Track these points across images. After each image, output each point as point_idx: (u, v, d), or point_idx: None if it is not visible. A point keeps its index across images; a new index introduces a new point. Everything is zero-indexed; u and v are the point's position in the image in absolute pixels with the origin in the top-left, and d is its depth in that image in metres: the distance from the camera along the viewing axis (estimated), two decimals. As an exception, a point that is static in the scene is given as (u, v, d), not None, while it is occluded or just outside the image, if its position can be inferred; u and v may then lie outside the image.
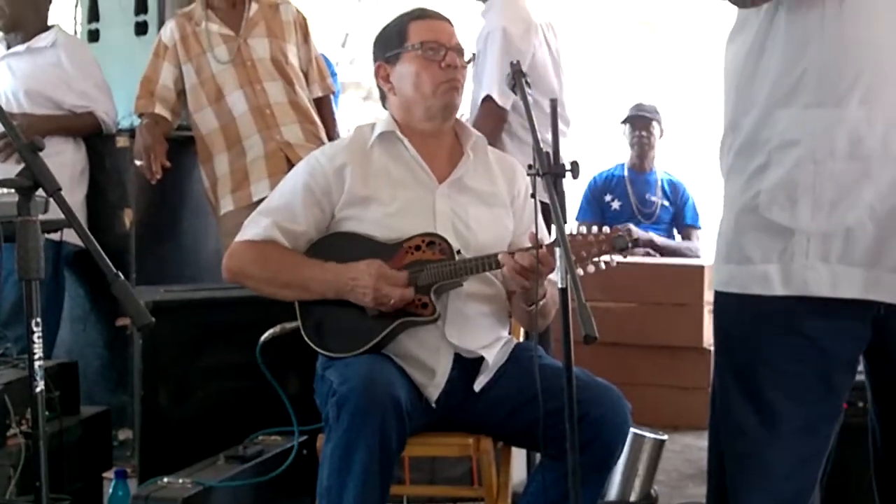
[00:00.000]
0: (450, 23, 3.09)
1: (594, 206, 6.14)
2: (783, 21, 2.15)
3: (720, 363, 2.38)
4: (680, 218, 6.11)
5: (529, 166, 2.44)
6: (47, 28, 4.67)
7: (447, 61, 2.99)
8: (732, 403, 2.31)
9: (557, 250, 2.30)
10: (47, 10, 4.72)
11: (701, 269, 5.22)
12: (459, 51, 3.03)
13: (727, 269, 2.28)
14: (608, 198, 6.13)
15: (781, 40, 2.15)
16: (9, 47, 4.65)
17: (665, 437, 3.84)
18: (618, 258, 2.84)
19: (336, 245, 2.98)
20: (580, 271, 2.72)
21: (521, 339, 3.19)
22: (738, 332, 2.30)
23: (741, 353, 2.29)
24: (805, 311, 2.18)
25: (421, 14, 3.09)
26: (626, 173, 6.18)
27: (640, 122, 6.14)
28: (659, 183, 6.15)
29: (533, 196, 2.53)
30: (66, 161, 4.47)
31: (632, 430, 3.01)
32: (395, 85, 3.07)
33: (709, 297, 5.09)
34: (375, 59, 3.11)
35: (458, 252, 2.91)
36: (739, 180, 2.24)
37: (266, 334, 3.06)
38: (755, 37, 2.20)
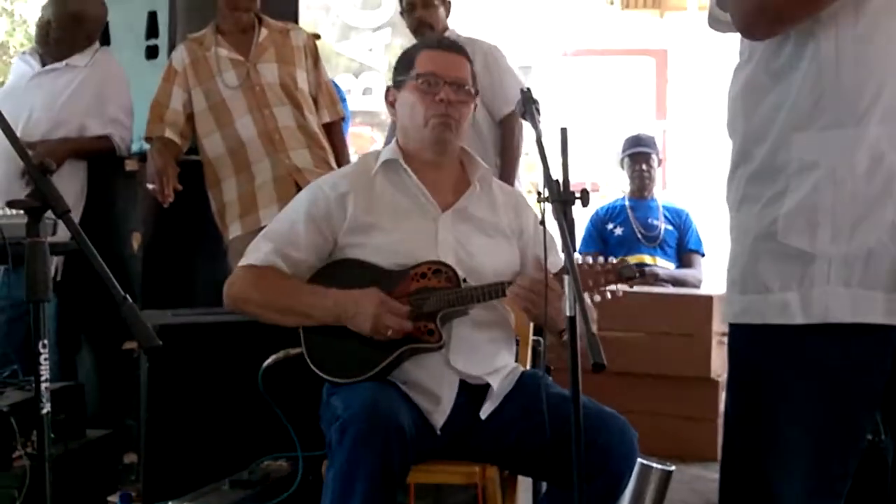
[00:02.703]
0: (463, 55, 3.10)
1: (596, 237, 6.14)
2: (794, 46, 2.14)
3: (734, 396, 2.33)
4: (682, 242, 6.10)
5: (539, 193, 2.44)
6: (85, 47, 4.70)
7: (441, 95, 3.00)
8: (747, 437, 2.27)
9: (566, 278, 2.29)
10: (98, 33, 4.76)
11: (709, 299, 5.20)
12: (460, 86, 3.03)
13: (742, 299, 2.23)
14: (610, 226, 6.13)
15: (794, 66, 2.13)
16: (43, 63, 4.66)
17: (672, 467, 3.81)
18: (623, 288, 2.84)
19: (341, 272, 2.99)
20: (586, 300, 2.72)
21: (528, 367, 3.19)
22: (754, 365, 2.25)
23: (757, 386, 2.24)
24: (825, 342, 2.13)
25: (433, 44, 3.14)
26: (626, 202, 6.18)
27: (640, 157, 6.14)
28: (660, 209, 6.15)
29: (542, 223, 2.53)
30: (69, 194, 4.45)
31: (639, 460, 3.00)
32: (397, 111, 3.10)
33: (717, 327, 5.08)
34: (393, 79, 3.14)
35: (464, 280, 2.91)
36: (754, 209, 2.20)
37: (269, 360, 3.07)
38: (764, 65, 2.18)
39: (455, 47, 3.13)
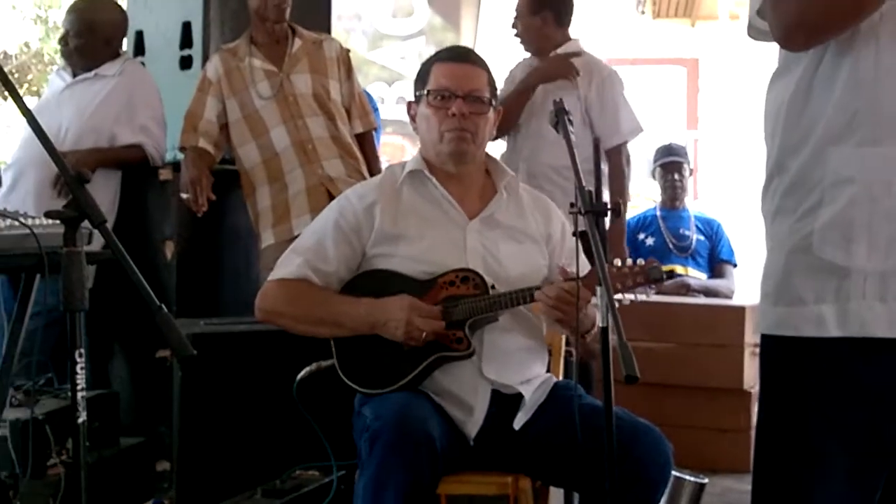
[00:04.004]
0: (477, 65, 3.09)
1: (628, 247, 6.09)
2: (833, 60, 2.12)
3: (767, 407, 2.32)
4: (714, 253, 6.07)
5: (571, 204, 2.44)
6: (114, 57, 4.72)
7: (453, 110, 3.00)
8: (779, 449, 2.26)
9: (599, 289, 2.29)
10: (121, 42, 4.79)
11: (742, 309, 5.17)
12: (474, 98, 3.02)
13: (776, 311, 2.22)
14: (642, 236, 6.10)
15: (833, 79, 2.12)
16: (74, 75, 4.70)
17: (705, 479, 3.80)
18: (653, 293, 2.84)
19: (371, 283, 3.00)
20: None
21: (561, 378, 3.18)
22: (787, 377, 2.24)
23: (790, 398, 2.23)
24: (860, 355, 2.12)
25: (446, 56, 3.12)
26: (658, 212, 6.15)
27: (672, 167, 6.12)
28: (692, 219, 6.12)
29: (574, 234, 2.53)
30: (101, 203, 4.45)
31: (672, 472, 2.98)
32: (417, 125, 3.11)
33: (749, 338, 5.06)
34: (413, 93, 3.15)
35: (493, 287, 2.91)
36: (788, 221, 2.19)
37: (302, 372, 3.08)
38: (802, 76, 2.17)
39: (469, 57, 3.13)
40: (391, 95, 9.97)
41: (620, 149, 4.81)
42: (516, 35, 5.00)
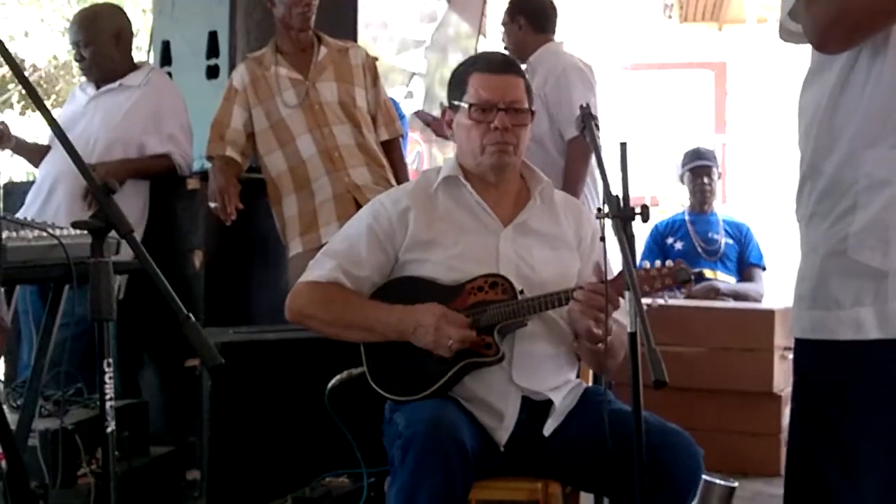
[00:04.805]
0: (515, 73, 3.06)
1: (656, 251, 6.07)
2: (868, 61, 2.10)
3: (801, 413, 2.30)
4: (743, 257, 6.05)
5: (599, 209, 2.43)
6: (136, 67, 4.74)
7: (495, 123, 2.97)
8: (814, 454, 2.23)
9: (627, 294, 2.28)
10: (131, 48, 4.79)
11: (771, 313, 5.15)
12: (515, 110, 2.99)
13: (812, 315, 2.20)
14: (670, 240, 6.08)
15: (867, 81, 2.10)
16: (98, 87, 4.71)
17: (735, 483, 3.78)
18: (681, 296, 2.83)
19: (400, 289, 3.00)
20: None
21: (591, 383, 3.17)
22: (823, 381, 2.22)
23: (826, 402, 2.20)
24: None
25: (484, 66, 3.06)
26: (686, 216, 6.13)
27: (701, 171, 6.10)
28: (720, 223, 6.10)
29: (602, 239, 2.52)
30: (131, 213, 4.47)
31: (702, 476, 2.97)
32: (455, 133, 3.09)
33: (779, 341, 5.03)
34: (447, 98, 3.13)
35: (521, 292, 2.90)
36: (823, 224, 2.17)
37: (333, 381, 3.07)
38: (836, 79, 2.15)
39: (506, 66, 3.08)
40: (404, 92, 9.98)
41: (576, 141, 4.76)
42: (503, 41, 5.10)
